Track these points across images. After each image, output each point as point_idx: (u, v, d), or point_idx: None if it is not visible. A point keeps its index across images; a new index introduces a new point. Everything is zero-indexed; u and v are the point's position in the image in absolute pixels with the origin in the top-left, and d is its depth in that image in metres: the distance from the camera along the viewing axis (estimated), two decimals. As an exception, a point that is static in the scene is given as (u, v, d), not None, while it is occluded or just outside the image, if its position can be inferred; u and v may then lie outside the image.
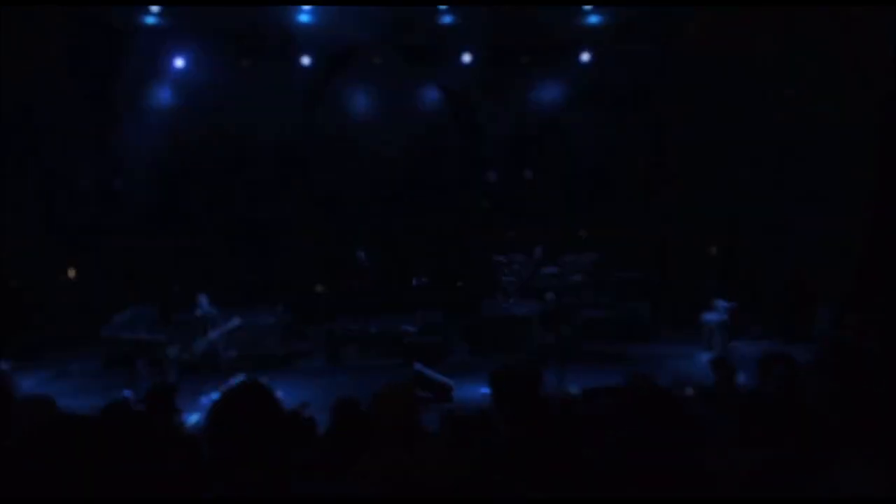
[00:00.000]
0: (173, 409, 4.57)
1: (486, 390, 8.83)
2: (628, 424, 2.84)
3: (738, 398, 4.36)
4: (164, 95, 13.34)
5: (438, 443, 3.50)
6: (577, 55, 13.91)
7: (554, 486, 2.84)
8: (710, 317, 11.01)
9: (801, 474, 2.75)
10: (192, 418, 7.57)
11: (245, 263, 13.52)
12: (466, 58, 13.73)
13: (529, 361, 3.95)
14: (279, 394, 7.87)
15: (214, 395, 9.12)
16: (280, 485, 2.18)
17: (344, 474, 3.15)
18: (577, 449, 3.01)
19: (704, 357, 9.81)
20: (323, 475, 3.43)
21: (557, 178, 14.44)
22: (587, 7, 12.75)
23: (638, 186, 14.22)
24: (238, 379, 9.14)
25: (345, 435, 4.18)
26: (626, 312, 12.37)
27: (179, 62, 13.17)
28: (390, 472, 2.96)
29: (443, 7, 12.50)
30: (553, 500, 2.83)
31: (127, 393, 8.24)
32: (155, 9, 12.10)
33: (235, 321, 10.07)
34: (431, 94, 14.33)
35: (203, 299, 9.85)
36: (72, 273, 13.09)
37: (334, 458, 3.89)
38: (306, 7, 12.18)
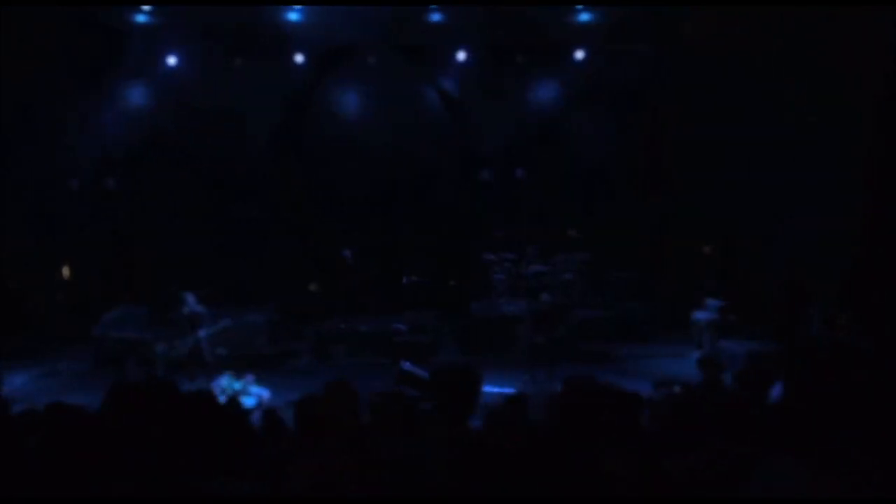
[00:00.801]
0: (135, 408, 4.49)
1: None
2: (564, 425, 2.80)
3: (693, 399, 4.32)
4: (156, 94, 13.32)
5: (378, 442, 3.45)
6: (572, 54, 13.83)
7: (493, 486, 2.80)
8: (701, 315, 11.01)
9: (739, 475, 2.71)
10: None
11: (238, 262, 13.49)
12: (461, 56, 13.68)
13: (469, 362, 3.93)
14: (265, 393, 7.82)
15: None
16: (182, 484, 2.14)
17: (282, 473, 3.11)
18: (512, 449, 2.98)
19: (694, 356, 9.77)
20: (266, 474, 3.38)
21: (553, 177, 14.35)
22: (583, 6, 12.71)
23: (635, 186, 14.14)
24: (223, 377, 9.20)
25: (303, 434, 4.14)
26: (623, 312, 12.37)
27: (172, 60, 13.15)
28: (319, 471, 2.92)
29: (436, 6, 12.46)
30: (491, 499, 2.79)
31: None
32: (147, 7, 12.09)
33: (225, 321, 10.08)
34: (426, 94, 14.25)
35: (190, 297, 9.86)
36: (66, 272, 13.13)
37: (293, 458, 3.86)
38: (299, 6, 12.18)
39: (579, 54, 13.80)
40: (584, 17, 12.83)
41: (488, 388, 8.99)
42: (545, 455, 3.07)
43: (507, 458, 3.03)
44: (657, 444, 3.54)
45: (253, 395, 9.11)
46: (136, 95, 13.31)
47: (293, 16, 12.24)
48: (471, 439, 3.35)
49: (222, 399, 8.06)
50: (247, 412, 6.38)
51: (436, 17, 12.61)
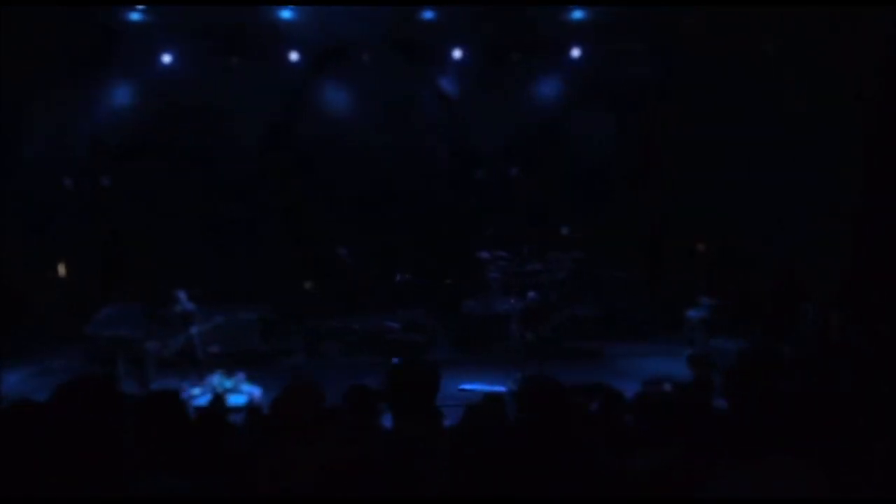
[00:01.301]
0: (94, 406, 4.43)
1: (463, 386, 8.75)
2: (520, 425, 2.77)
3: (682, 396, 4.26)
4: (150, 93, 13.29)
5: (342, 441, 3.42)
6: (569, 53, 13.75)
7: (448, 486, 2.76)
8: (693, 313, 11.00)
9: (708, 474, 2.67)
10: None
11: (234, 261, 13.48)
12: (457, 55, 13.61)
13: (429, 361, 3.90)
14: (257, 391, 7.80)
15: (191, 391, 9.12)
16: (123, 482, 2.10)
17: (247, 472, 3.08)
18: (471, 448, 2.94)
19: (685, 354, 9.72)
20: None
21: (552, 176, 14.29)
22: (581, 5, 12.65)
23: (634, 185, 14.08)
24: (214, 375, 9.19)
25: (271, 433, 4.10)
26: (620, 311, 12.36)
27: (166, 59, 13.11)
28: (283, 469, 2.88)
29: (432, 5, 12.42)
30: (448, 499, 2.75)
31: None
32: (141, 6, 12.07)
33: (217, 319, 10.08)
34: (422, 92, 14.18)
35: (182, 295, 9.86)
36: (62, 271, 13.13)
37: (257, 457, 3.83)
38: (294, 5, 12.14)
39: (577, 52, 13.71)
40: (578, 14, 12.73)
41: (475, 387, 9.01)
42: (512, 453, 3.04)
43: (481, 456, 2.99)
44: (637, 442, 3.49)
45: (244, 393, 9.12)
46: (131, 94, 13.28)
47: (288, 14, 12.19)
48: (448, 437, 3.32)
49: (209, 397, 8.06)
50: (229, 410, 6.35)
51: (432, 15, 12.54)
